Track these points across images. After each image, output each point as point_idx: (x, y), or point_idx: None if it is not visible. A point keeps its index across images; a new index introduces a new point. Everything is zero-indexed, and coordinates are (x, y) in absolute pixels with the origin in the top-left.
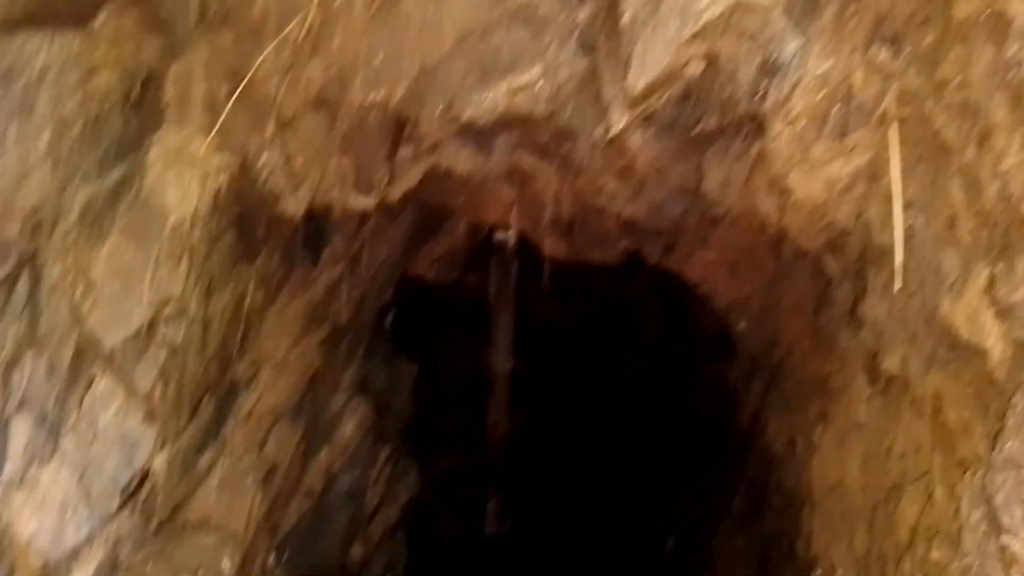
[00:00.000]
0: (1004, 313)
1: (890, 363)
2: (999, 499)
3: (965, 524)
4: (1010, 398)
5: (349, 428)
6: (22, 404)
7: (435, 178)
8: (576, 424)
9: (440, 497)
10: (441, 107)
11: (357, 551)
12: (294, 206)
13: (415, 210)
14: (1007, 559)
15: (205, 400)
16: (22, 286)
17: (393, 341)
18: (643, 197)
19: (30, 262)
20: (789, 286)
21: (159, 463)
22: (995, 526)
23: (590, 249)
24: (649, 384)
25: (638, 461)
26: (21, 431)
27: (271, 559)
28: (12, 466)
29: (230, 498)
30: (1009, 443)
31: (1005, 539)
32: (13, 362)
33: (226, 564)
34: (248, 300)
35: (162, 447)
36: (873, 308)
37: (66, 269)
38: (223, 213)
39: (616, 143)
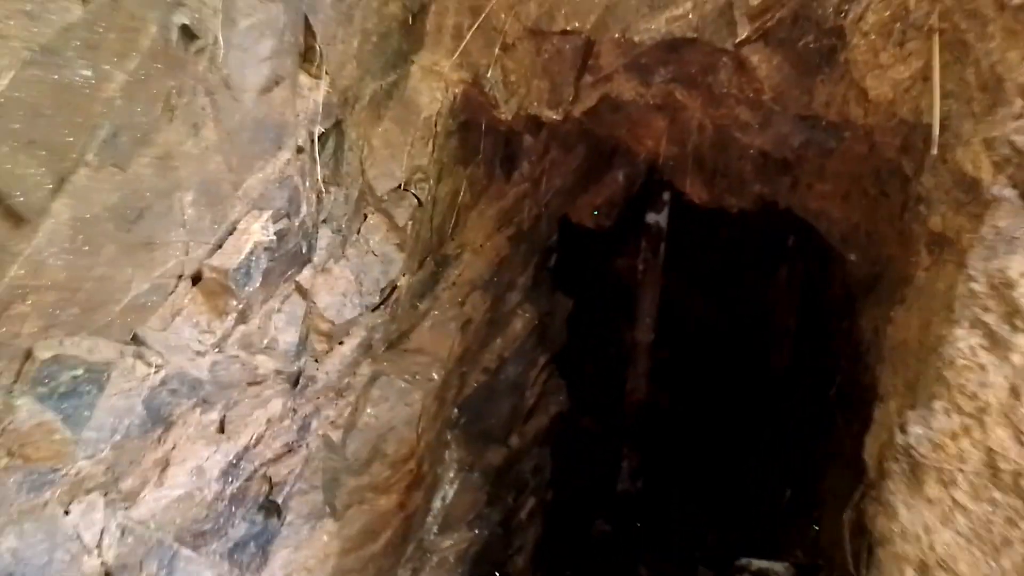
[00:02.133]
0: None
1: (934, 222)
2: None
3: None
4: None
5: (519, 325)
6: (328, 219)
7: (607, 102)
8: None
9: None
10: (618, 34)
11: (515, 440)
12: (507, 113)
13: (585, 149)
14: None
15: (428, 260)
16: (332, 140)
17: (554, 279)
18: (770, 128)
19: (337, 125)
20: (885, 203)
21: (403, 282)
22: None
23: (729, 194)
24: (781, 338)
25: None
26: (325, 235)
27: (454, 414)
28: (318, 258)
29: (438, 336)
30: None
31: None
32: (324, 190)
33: (434, 375)
34: (460, 196)
35: (404, 274)
36: (925, 182)
37: (358, 135)
38: (456, 116)
39: (744, 64)
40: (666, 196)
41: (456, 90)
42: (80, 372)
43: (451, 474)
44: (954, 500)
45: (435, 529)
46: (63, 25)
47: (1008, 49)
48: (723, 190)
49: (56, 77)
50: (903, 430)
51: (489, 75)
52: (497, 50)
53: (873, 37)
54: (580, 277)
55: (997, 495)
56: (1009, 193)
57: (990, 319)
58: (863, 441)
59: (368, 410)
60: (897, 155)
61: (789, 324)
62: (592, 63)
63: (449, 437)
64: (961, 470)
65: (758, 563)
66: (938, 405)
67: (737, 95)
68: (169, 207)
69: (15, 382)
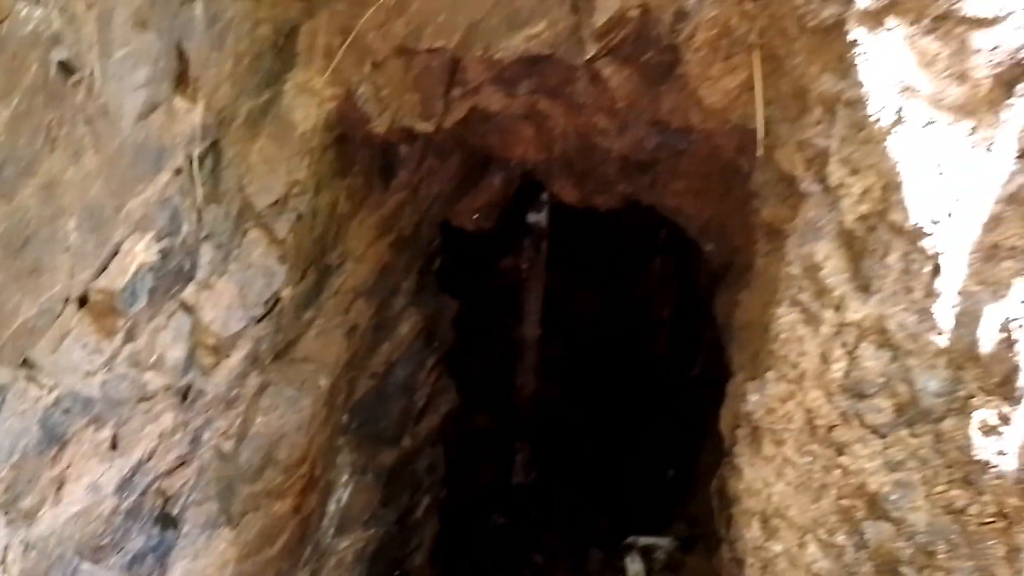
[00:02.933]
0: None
1: (765, 214)
2: None
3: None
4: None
5: (405, 328)
6: (209, 235)
7: (476, 113)
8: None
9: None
10: (481, 51)
11: (407, 441)
12: (380, 126)
13: (460, 156)
14: None
15: (310, 270)
16: (210, 159)
17: (439, 282)
18: (627, 134)
19: (215, 145)
20: (731, 197)
21: (286, 293)
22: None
23: (596, 194)
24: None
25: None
26: (207, 252)
27: (344, 418)
28: (201, 273)
29: (324, 343)
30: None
31: None
32: (204, 207)
33: (322, 382)
34: (339, 206)
35: (287, 285)
36: (756, 178)
37: (235, 153)
38: (331, 130)
39: (597, 77)
40: (545, 196)
41: (330, 106)
42: None
43: (344, 477)
44: (784, 456)
45: (331, 531)
46: None
47: (810, 64)
48: (591, 191)
49: None
50: (744, 399)
51: (361, 91)
52: (368, 67)
53: (703, 53)
54: (465, 279)
55: (815, 447)
56: (816, 188)
57: (804, 297)
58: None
59: (259, 419)
60: (735, 155)
61: (664, 314)
62: (460, 77)
63: (341, 441)
64: (788, 429)
65: (645, 540)
66: (770, 375)
67: (595, 104)
68: (53, 233)
69: None
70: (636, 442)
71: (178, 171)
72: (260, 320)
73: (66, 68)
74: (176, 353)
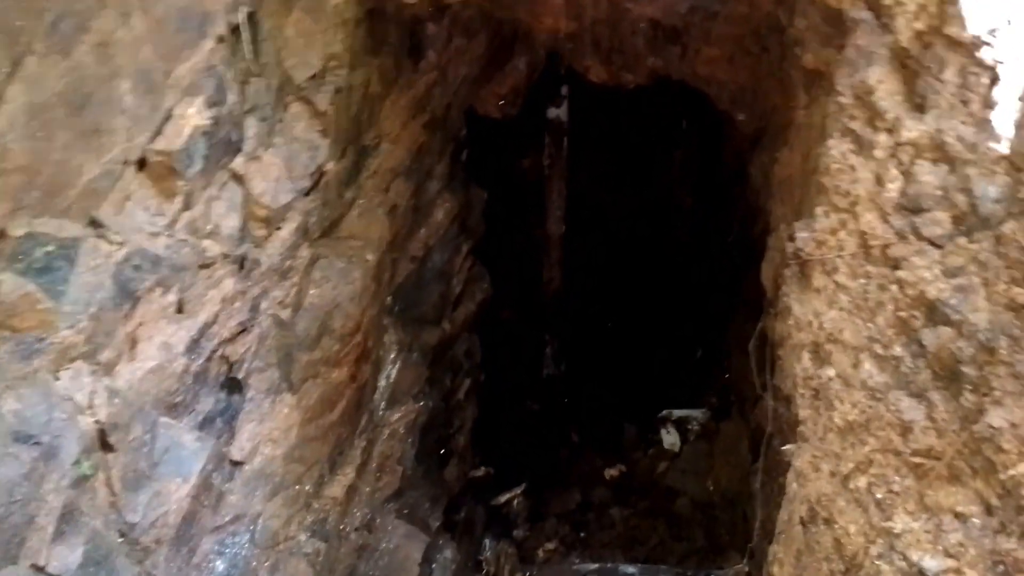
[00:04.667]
0: None
1: (807, 59)
2: None
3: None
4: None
5: (440, 214)
6: (253, 108)
7: None
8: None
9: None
10: None
11: (446, 325)
12: None
13: (486, 36)
14: None
15: (348, 149)
16: (247, 31)
17: (467, 171)
18: None
19: (252, 16)
20: (766, 59)
21: (330, 167)
22: None
23: (625, 71)
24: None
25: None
26: (252, 124)
27: (389, 300)
28: (248, 146)
29: (367, 222)
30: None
31: None
32: (245, 80)
33: (369, 257)
34: (372, 86)
35: (330, 158)
36: (797, 23)
37: (272, 26)
38: (362, 3)
39: None
40: (564, 90)
41: None
42: (52, 248)
43: (392, 355)
44: (836, 283)
45: (383, 405)
46: None
47: None
48: (620, 67)
49: None
50: (791, 239)
51: None
52: None
53: None
54: (492, 170)
55: (870, 268)
56: (866, 15)
57: (855, 125)
58: (759, 281)
59: (312, 290)
60: (774, 7)
61: (688, 200)
62: None
63: (386, 321)
64: (840, 256)
65: (679, 412)
66: (819, 210)
67: None
68: (109, 95)
69: None
70: (666, 325)
71: (220, 39)
72: (307, 193)
73: None
74: (231, 223)
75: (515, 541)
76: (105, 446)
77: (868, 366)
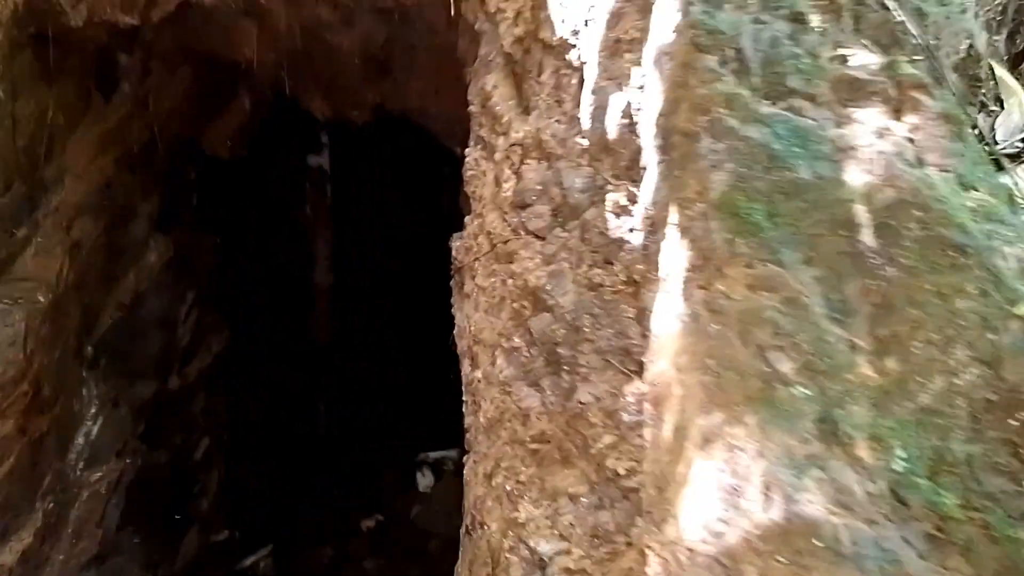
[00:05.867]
0: None
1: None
2: None
3: None
4: None
5: (153, 257)
6: None
7: (192, 8)
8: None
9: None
10: None
11: (175, 382)
12: (76, 19)
13: (192, 70)
14: None
15: (16, 184)
16: None
17: (199, 217)
18: (354, 26)
19: None
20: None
21: None
22: None
23: (349, 107)
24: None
25: None
26: None
27: (90, 351)
28: None
29: (44, 261)
30: None
31: None
32: None
33: (40, 298)
34: (51, 118)
35: None
36: (460, 49)
37: None
38: (24, 26)
39: None
40: (325, 139)
41: None
42: None
43: (93, 410)
44: (477, 286)
45: (81, 465)
46: None
47: None
48: (341, 103)
49: None
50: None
51: None
52: None
53: None
54: (228, 214)
55: (496, 267)
56: (486, 25)
57: (483, 132)
58: None
59: None
60: (452, 35)
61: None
62: None
63: (85, 375)
64: (478, 259)
65: (434, 454)
66: (467, 218)
67: None
68: None
69: None
70: (427, 367)
71: None
72: None
73: None
74: None
75: None
76: None
77: (500, 360)
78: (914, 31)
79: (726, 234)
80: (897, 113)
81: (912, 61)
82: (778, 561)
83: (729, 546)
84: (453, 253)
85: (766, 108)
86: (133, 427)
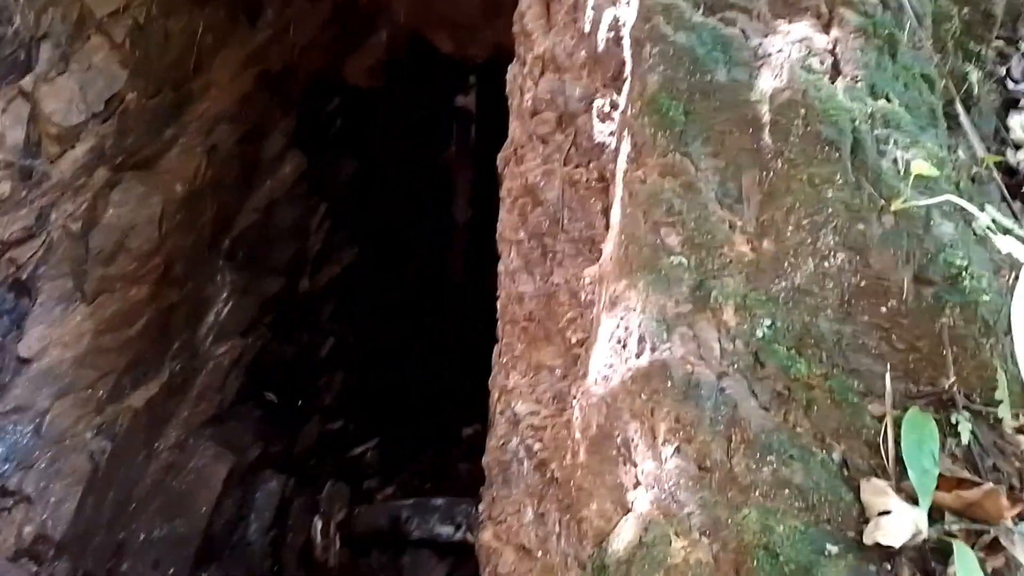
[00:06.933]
0: None
1: None
2: None
3: None
4: None
5: (287, 170)
6: (48, 35)
7: None
8: None
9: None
10: None
11: (305, 284)
12: None
13: (330, 4)
14: None
15: (165, 89)
16: None
17: (337, 139)
18: None
19: None
20: None
21: (130, 98)
22: None
23: (469, 44)
24: None
25: None
26: (46, 50)
27: (226, 244)
28: (40, 68)
29: (185, 159)
30: None
31: None
32: (46, 9)
33: (177, 188)
34: (199, 36)
35: (132, 89)
36: None
37: None
38: None
39: None
40: (472, 80)
41: None
42: None
43: (224, 294)
44: (505, 189)
45: (210, 339)
46: None
47: None
48: (465, 40)
49: None
50: None
51: None
52: None
53: None
54: (368, 137)
55: (515, 169)
56: None
57: (520, 49)
58: None
59: (110, 210)
60: None
61: None
62: None
63: (221, 263)
64: (507, 165)
65: None
66: None
67: None
68: None
69: None
70: None
71: None
72: (104, 119)
73: None
74: (16, 134)
75: (356, 485)
76: None
77: (512, 253)
78: None
79: (651, 128)
80: (825, 28)
81: None
82: (640, 398)
83: (612, 388)
84: (497, 164)
85: (698, 18)
86: (259, 315)
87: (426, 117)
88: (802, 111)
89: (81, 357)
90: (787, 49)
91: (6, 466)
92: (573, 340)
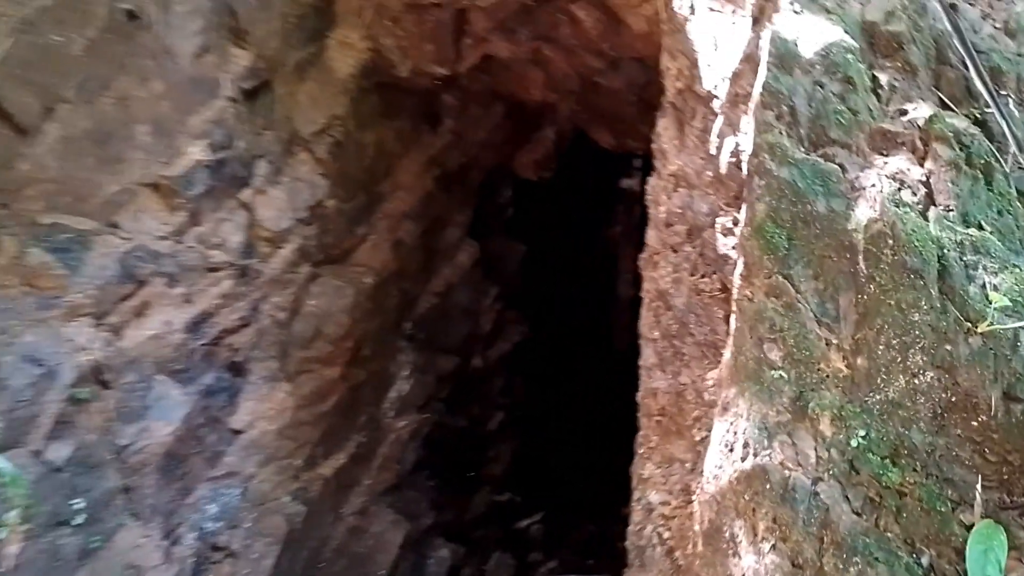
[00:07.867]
0: None
1: None
2: None
3: None
4: None
5: (463, 257)
6: (264, 153)
7: (488, 59)
8: None
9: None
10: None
11: (478, 361)
12: (403, 71)
13: (503, 108)
14: None
15: (360, 194)
16: (264, 95)
17: (508, 228)
18: (620, 71)
19: (267, 84)
20: None
21: (330, 204)
22: None
23: (628, 138)
24: None
25: None
26: (262, 166)
27: (408, 327)
28: (257, 182)
29: (374, 253)
30: None
31: None
32: (263, 132)
33: (367, 280)
34: (389, 144)
35: (331, 196)
36: None
37: (285, 92)
38: (368, 77)
39: (574, 19)
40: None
41: (364, 56)
42: (71, 235)
43: (405, 372)
44: (643, 290)
45: (392, 413)
46: (38, 6)
47: None
48: (622, 134)
49: (39, 41)
50: None
51: (386, 42)
52: (388, 22)
53: None
54: (537, 225)
55: (651, 273)
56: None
57: (658, 164)
58: None
59: (310, 301)
60: None
61: None
62: (468, 28)
63: (402, 344)
64: (645, 268)
65: None
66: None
67: (581, 46)
68: (130, 134)
69: (28, 238)
70: None
71: (233, 100)
72: (308, 223)
73: (132, 15)
74: (236, 238)
75: (520, 558)
76: (100, 382)
77: (647, 351)
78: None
79: (758, 252)
80: (921, 161)
81: (982, 113)
82: (743, 499)
83: (721, 487)
84: (638, 264)
85: (800, 154)
86: (436, 390)
87: (591, 202)
88: (890, 241)
89: (283, 429)
90: (881, 182)
91: (219, 524)
92: (697, 438)
